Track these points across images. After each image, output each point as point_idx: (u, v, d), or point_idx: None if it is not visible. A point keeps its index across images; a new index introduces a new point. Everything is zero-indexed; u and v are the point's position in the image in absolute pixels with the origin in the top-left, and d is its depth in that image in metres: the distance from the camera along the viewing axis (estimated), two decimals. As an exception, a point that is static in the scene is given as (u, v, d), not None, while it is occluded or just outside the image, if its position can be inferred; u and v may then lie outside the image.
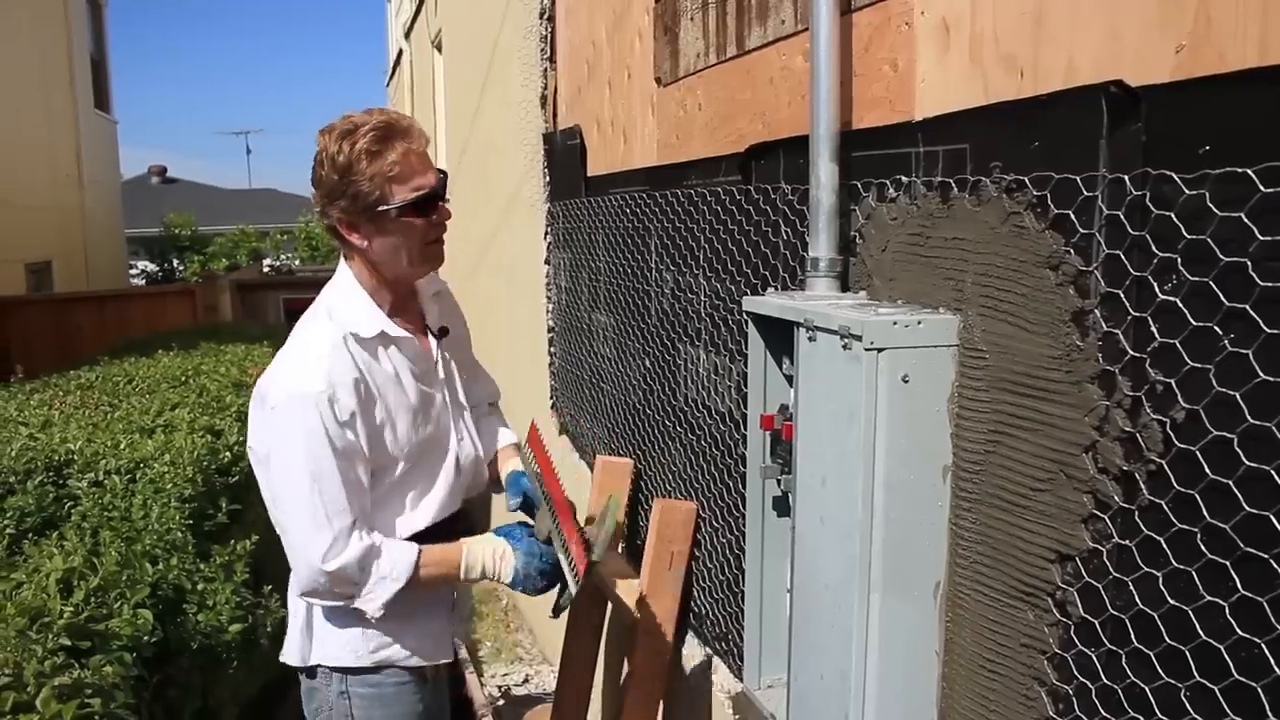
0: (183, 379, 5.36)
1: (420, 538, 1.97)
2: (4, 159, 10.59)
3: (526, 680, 4.66)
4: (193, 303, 11.98)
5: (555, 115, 4.05)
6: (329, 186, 1.85)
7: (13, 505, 2.82)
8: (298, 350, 1.90)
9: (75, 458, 3.29)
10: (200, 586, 2.77)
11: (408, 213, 1.86)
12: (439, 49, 9.00)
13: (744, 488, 1.97)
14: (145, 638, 2.16)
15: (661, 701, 2.60)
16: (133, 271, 22.30)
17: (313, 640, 1.99)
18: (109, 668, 1.87)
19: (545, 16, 4.03)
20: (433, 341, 2.05)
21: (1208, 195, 0.98)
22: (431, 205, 1.90)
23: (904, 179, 1.52)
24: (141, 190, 30.06)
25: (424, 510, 2.00)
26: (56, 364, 6.81)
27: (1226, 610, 0.99)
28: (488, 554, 1.96)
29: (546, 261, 4.24)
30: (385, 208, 1.84)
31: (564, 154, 3.85)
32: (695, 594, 2.60)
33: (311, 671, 2.00)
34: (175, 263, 25.27)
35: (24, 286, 11.30)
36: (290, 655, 2.01)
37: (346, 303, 1.94)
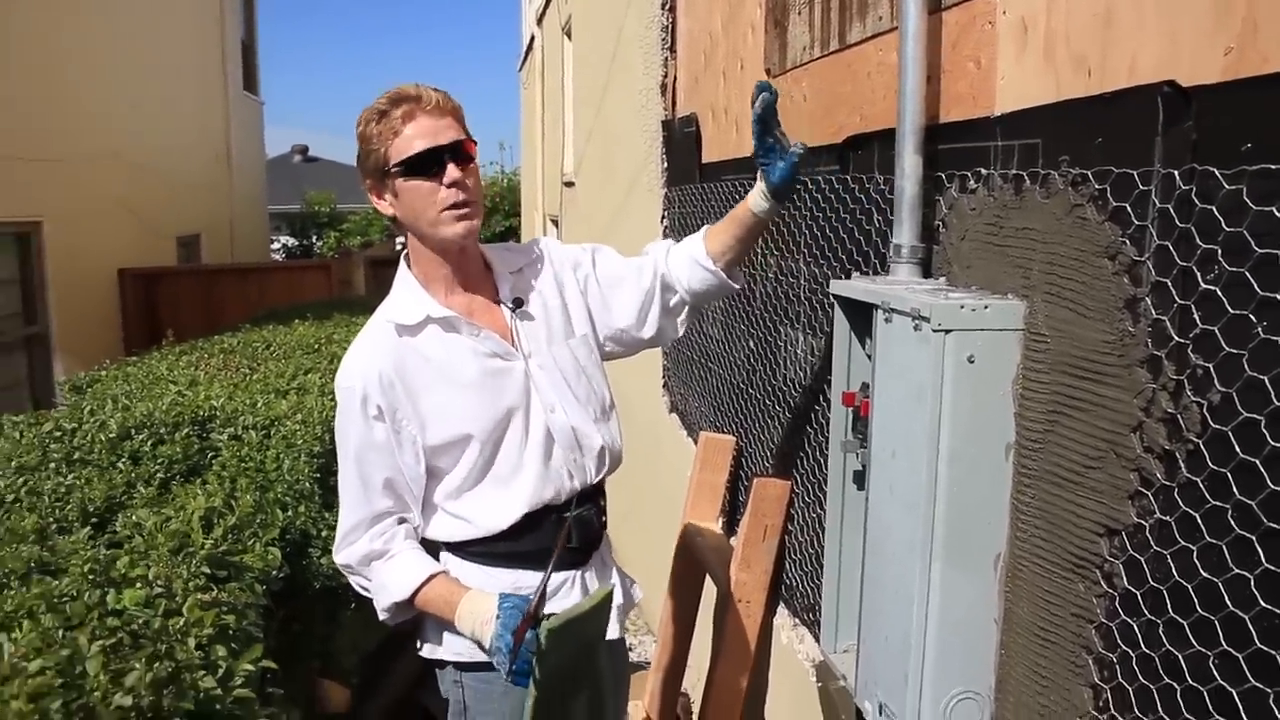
0: (316, 346, 5.64)
1: (525, 524, 1.93)
2: (161, 138, 11.17)
3: (630, 649, 4.81)
4: (328, 277, 12.43)
5: (674, 103, 4.15)
6: (359, 159, 1.89)
7: (163, 453, 3.07)
8: (356, 339, 1.96)
9: (217, 414, 3.52)
10: (324, 534, 2.95)
11: (410, 173, 1.82)
12: (569, 35, 9.15)
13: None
14: (274, 572, 2.33)
15: (751, 668, 2.70)
16: (274, 246, 23.23)
17: (435, 635, 1.99)
18: (242, 593, 2.06)
19: (666, 7, 4.13)
20: (506, 313, 1.97)
21: (1244, 190, 1.04)
22: (434, 165, 1.82)
23: (983, 171, 1.59)
24: (284, 168, 31.13)
25: (518, 491, 1.93)
26: (203, 330, 7.25)
27: (1251, 583, 1.05)
28: (476, 614, 1.82)
29: (662, 246, 4.35)
30: (387, 168, 1.84)
31: (681, 141, 3.96)
32: (787, 567, 2.69)
33: (440, 663, 2.01)
34: (314, 238, 26.24)
35: (175, 258, 11.93)
36: (423, 649, 2.02)
37: (395, 289, 1.96)
